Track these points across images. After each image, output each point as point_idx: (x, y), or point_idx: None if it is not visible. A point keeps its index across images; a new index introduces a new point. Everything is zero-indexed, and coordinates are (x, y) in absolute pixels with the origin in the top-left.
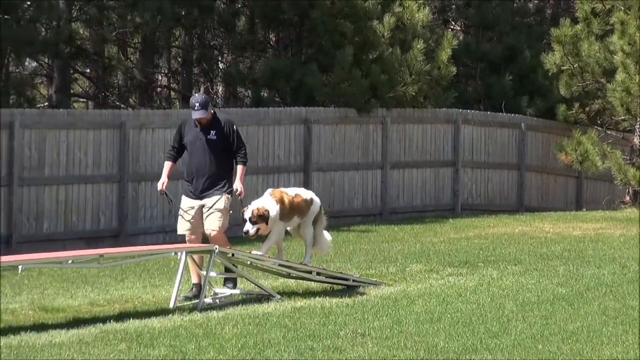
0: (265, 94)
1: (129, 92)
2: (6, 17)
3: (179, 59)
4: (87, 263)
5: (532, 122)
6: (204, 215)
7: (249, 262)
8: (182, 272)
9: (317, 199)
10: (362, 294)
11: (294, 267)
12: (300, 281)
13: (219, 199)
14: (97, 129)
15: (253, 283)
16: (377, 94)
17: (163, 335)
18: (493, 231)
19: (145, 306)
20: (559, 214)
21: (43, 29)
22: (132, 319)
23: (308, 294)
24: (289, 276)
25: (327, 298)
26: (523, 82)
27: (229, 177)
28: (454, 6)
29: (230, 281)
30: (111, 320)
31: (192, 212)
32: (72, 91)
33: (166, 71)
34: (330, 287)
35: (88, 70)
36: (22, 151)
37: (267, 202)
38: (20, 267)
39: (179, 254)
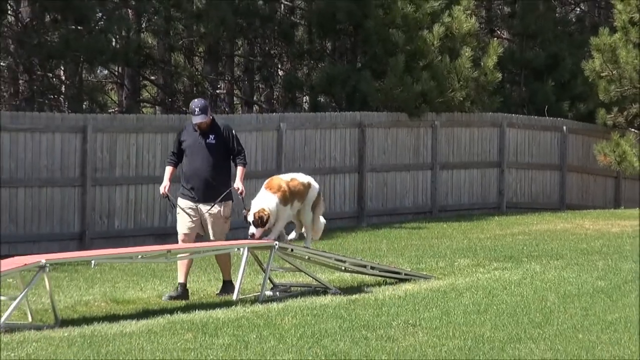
0: (322, 100)
1: (194, 98)
2: (79, 28)
3: (241, 67)
4: (156, 258)
5: (573, 125)
6: (207, 223)
7: (307, 257)
8: (244, 267)
9: (315, 184)
10: (413, 286)
11: (349, 261)
12: (355, 275)
13: (219, 209)
14: (164, 133)
15: (311, 277)
16: (427, 99)
17: (227, 325)
18: (536, 228)
19: (210, 298)
20: (599, 211)
21: (113, 39)
22: (198, 310)
23: (362, 286)
24: (344, 270)
25: (380, 290)
26: (564, 87)
27: (227, 182)
28: (499, 16)
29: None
30: (178, 312)
31: (192, 212)
32: (141, 97)
33: (229, 78)
34: (384, 281)
35: (156, 78)
36: (94, 153)
37: (266, 200)
38: (93, 262)
39: (242, 249)
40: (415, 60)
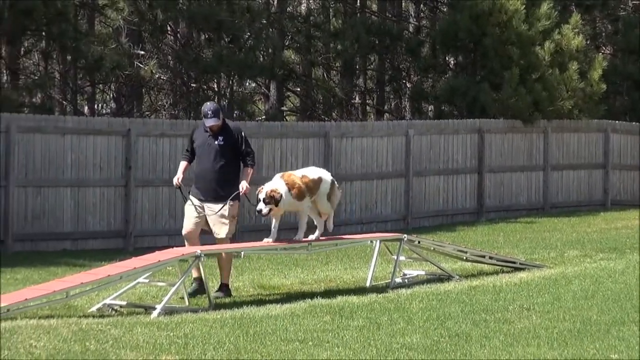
0: (445, 108)
1: (331, 107)
2: (231, 45)
3: (374, 80)
4: (298, 250)
5: None
6: (211, 222)
7: (432, 248)
8: (376, 257)
9: (327, 177)
10: (527, 275)
11: (470, 251)
12: (475, 264)
13: (224, 207)
14: (305, 138)
15: (436, 266)
16: (539, 108)
17: (361, 309)
18: (638, 222)
19: (345, 285)
20: None
21: (261, 56)
22: (335, 295)
23: (482, 274)
24: (465, 260)
25: (498, 278)
26: None
27: (235, 182)
28: (604, 34)
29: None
30: (318, 297)
31: (199, 209)
32: (284, 106)
33: (362, 90)
34: (501, 269)
35: (298, 89)
36: None
37: (280, 185)
38: (242, 252)
39: (374, 242)
40: (528, 73)
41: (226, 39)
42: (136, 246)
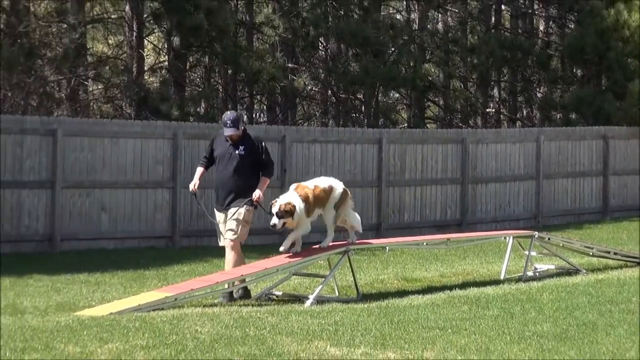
0: (573, 117)
1: (468, 116)
2: (375, 59)
3: (507, 90)
4: (438, 245)
5: None
6: (226, 225)
7: (561, 244)
8: (509, 253)
9: (337, 186)
10: None
11: (595, 247)
12: (601, 259)
13: (238, 210)
14: (444, 144)
15: (564, 260)
16: None
17: (495, 300)
18: None
19: (481, 277)
20: None
21: (403, 69)
22: (472, 287)
23: (607, 268)
24: (592, 255)
25: (622, 272)
26: None
27: (253, 192)
28: None
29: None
30: (456, 288)
31: (223, 227)
32: (425, 115)
33: (497, 99)
34: (625, 264)
35: (437, 99)
36: (388, 160)
37: (294, 198)
38: (387, 247)
39: (507, 238)
40: None
41: (371, 54)
42: None
